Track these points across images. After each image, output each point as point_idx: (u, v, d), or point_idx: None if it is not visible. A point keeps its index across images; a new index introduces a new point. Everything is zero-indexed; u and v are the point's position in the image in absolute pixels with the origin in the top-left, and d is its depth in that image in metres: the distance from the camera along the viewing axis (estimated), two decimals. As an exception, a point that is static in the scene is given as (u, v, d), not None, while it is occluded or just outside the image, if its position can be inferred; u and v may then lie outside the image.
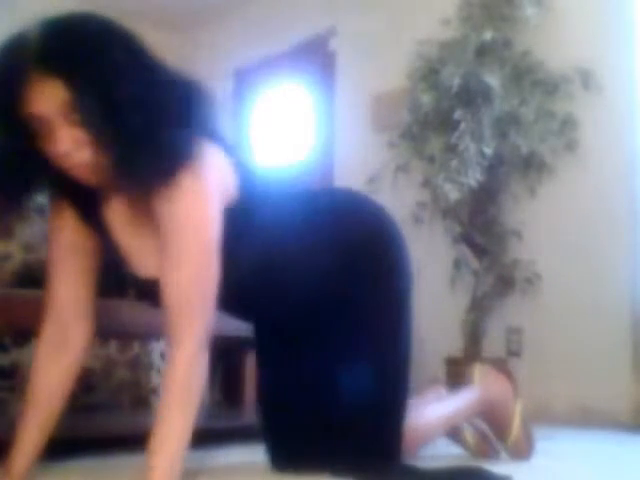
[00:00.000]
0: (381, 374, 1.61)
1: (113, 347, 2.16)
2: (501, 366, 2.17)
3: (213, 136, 1.45)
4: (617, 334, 3.16)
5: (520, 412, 1.98)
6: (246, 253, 1.49)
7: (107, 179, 1.37)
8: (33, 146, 1.34)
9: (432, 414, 1.84)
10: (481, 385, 1.97)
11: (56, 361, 1.51)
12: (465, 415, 1.94)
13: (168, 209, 1.37)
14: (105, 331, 2.00)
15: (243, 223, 1.47)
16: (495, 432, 2.01)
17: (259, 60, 4.98)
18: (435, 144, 3.36)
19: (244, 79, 5.16)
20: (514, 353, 3.50)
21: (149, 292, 1.50)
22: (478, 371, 2.01)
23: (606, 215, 3.26)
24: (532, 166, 3.37)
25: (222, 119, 1.47)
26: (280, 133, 4.96)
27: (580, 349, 3.26)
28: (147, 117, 1.30)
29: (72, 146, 1.30)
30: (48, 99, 1.28)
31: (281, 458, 1.70)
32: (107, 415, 2.16)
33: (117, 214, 1.49)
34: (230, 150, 1.51)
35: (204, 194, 1.39)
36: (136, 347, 2.21)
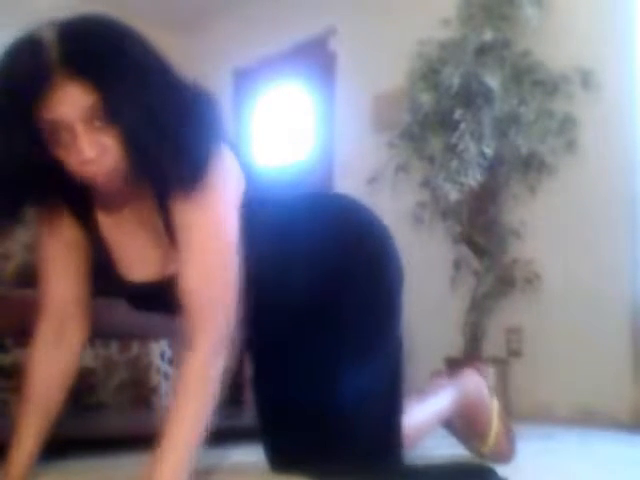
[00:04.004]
0: (374, 375, 1.61)
1: (113, 347, 2.16)
2: (473, 362, 2.15)
3: (223, 139, 1.44)
4: (617, 334, 3.16)
5: (498, 410, 1.96)
6: (249, 254, 1.47)
7: (124, 183, 1.35)
8: (39, 154, 1.30)
9: (415, 419, 1.78)
10: (455, 384, 1.95)
11: (53, 361, 1.50)
12: (444, 415, 1.91)
13: (188, 210, 1.35)
14: (105, 331, 2.00)
15: (247, 225, 1.46)
16: (475, 431, 1.95)
17: (259, 60, 4.98)
18: (435, 144, 3.36)
19: (244, 79, 5.16)
20: (514, 353, 3.50)
21: (143, 297, 1.50)
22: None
23: (606, 215, 3.26)
24: (532, 166, 3.37)
25: (225, 120, 1.47)
26: (280, 133, 4.96)
27: (580, 349, 3.26)
28: (174, 118, 1.29)
29: (98, 152, 1.27)
30: (73, 104, 1.24)
31: (279, 459, 1.70)
32: (107, 415, 2.16)
33: (114, 218, 1.47)
34: (237, 153, 1.50)
35: (224, 195, 1.40)
36: (136, 347, 2.21)
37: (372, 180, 3.57)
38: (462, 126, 3.20)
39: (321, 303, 1.62)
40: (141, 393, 2.21)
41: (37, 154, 1.29)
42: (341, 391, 1.57)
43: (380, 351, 1.63)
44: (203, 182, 1.33)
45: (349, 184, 3.80)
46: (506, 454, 1.95)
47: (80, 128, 1.25)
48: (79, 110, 1.24)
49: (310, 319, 1.62)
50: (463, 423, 1.96)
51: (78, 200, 1.46)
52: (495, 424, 1.94)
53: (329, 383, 1.59)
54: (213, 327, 1.35)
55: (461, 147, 3.19)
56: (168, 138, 1.27)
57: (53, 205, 1.47)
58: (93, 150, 1.26)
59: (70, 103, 1.24)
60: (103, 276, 1.54)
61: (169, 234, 1.41)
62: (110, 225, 1.48)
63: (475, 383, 1.97)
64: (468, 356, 3.36)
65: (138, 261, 1.48)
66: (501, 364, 3.41)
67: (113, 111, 1.24)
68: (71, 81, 1.23)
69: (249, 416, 1.79)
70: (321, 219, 1.67)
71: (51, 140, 1.28)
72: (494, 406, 1.96)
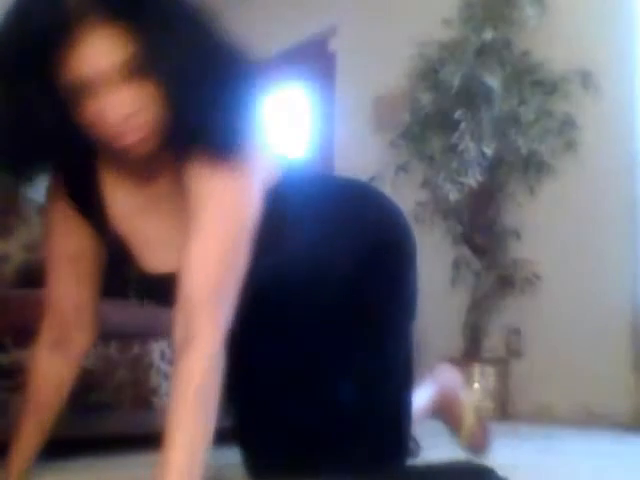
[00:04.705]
0: (386, 373, 1.55)
1: (113, 347, 2.16)
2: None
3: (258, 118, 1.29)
4: (617, 334, 3.16)
5: (470, 401, 1.97)
6: (277, 243, 1.36)
7: (157, 147, 1.17)
8: (57, 116, 1.11)
9: None
10: (431, 379, 1.94)
11: (53, 367, 1.46)
12: (422, 411, 1.88)
13: (205, 187, 1.18)
14: (105, 331, 2.01)
15: (277, 212, 1.33)
16: (449, 423, 1.97)
17: (259, 60, 4.97)
18: (435, 144, 3.36)
19: (244, 79, 5.16)
20: (514, 353, 3.50)
21: (157, 290, 1.39)
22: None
23: (606, 215, 3.26)
24: (532, 166, 3.37)
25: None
26: (280, 133, 4.96)
27: (580, 349, 3.26)
28: (222, 73, 1.12)
29: (132, 109, 1.08)
30: (107, 53, 1.04)
31: (267, 465, 1.58)
32: (107, 415, 2.16)
33: (130, 204, 1.35)
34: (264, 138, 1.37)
35: (248, 177, 1.23)
36: (136, 347, 2.21)
37: (372, 180, 3.56)
38: (462, 126, 3.20)
39: (341, 297, 1.50)
40: (141, 393, 2.21)
41: (57, 121, 1.10)
42: (349, 390, 1.50)
43: (398, 346, 1.57)
44: (236, 152, 1.16)
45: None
46: (480, 447, 1.96)
47: (112, 81, 1.06)
48: (110, 66, 1.05)
49: (322, 313, 1.50)
50: (439, 417, 1.97)
51: (88, 195, 1.36)
52: (468, 419, 1.94)
53: (337, 381, 1.50)
54: (219, 318, 1.18)
55: (461, 147, 3.19)
56: (214, 96, 1.09)
57: (58, 206, 1.39)
58: (128, 107, 1.08)
59: (100, 56, 1.04)
60: (117, 274, 1.45)
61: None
62: (128, 216, 1.35)
63: (448, 377, 1.97)
64: (468, 356, 3.37)
65: (162, 250, 1.35)
66: (501, 364, 3.42)
67: (154, 62, 1.06)
68: (100, 28, 1.04)
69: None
70: (365, 204, 1.59)
71: (75, 100, 1.09)
72: (467, 400, 1.96)
